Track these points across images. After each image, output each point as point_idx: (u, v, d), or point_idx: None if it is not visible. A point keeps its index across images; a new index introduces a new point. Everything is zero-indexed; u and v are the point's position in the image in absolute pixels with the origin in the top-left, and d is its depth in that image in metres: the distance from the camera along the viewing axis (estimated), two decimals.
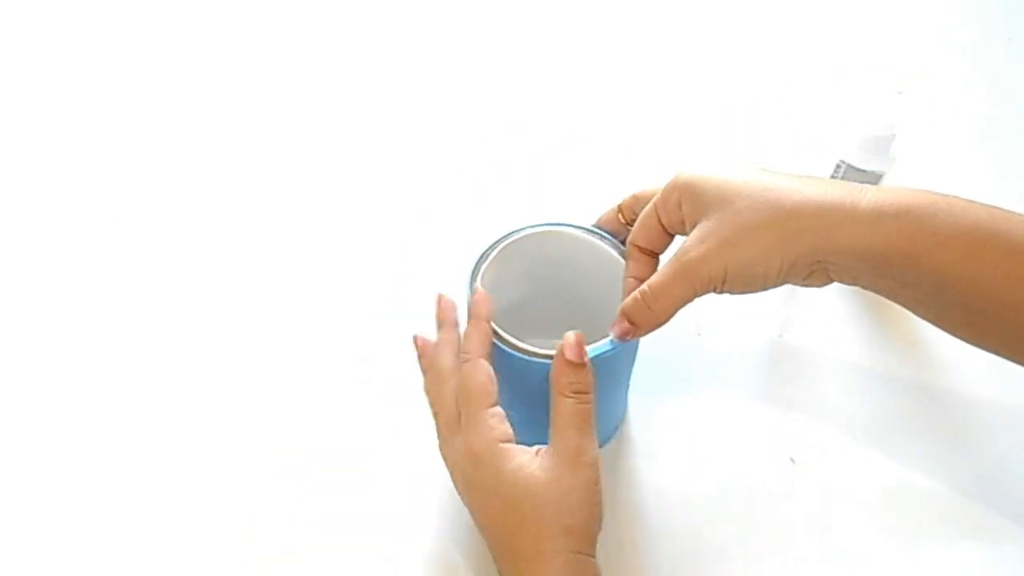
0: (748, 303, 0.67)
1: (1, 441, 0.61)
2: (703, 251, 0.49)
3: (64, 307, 0.68)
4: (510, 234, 0.55)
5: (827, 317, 0.67)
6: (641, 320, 0.50)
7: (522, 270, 0.56)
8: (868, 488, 0.59)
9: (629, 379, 0.60)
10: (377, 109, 0.82)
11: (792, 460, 0.60)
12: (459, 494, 0.50)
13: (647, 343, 0.65)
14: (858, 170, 0.66)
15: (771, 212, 0.48)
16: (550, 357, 0.50)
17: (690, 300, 0.50)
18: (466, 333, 0.52)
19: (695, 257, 0.49)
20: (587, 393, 0.48)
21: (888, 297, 0.50)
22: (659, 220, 0.52)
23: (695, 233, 0.49)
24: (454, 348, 0.52)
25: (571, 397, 0.48)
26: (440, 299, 0.54)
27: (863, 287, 0.50)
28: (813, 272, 0.49)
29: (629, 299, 0.51)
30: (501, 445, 0.48)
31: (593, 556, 0.47)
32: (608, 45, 0.87)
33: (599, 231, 0.56)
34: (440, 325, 0.53)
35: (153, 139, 0.80)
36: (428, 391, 0.52)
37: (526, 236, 0.55)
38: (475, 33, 0.89)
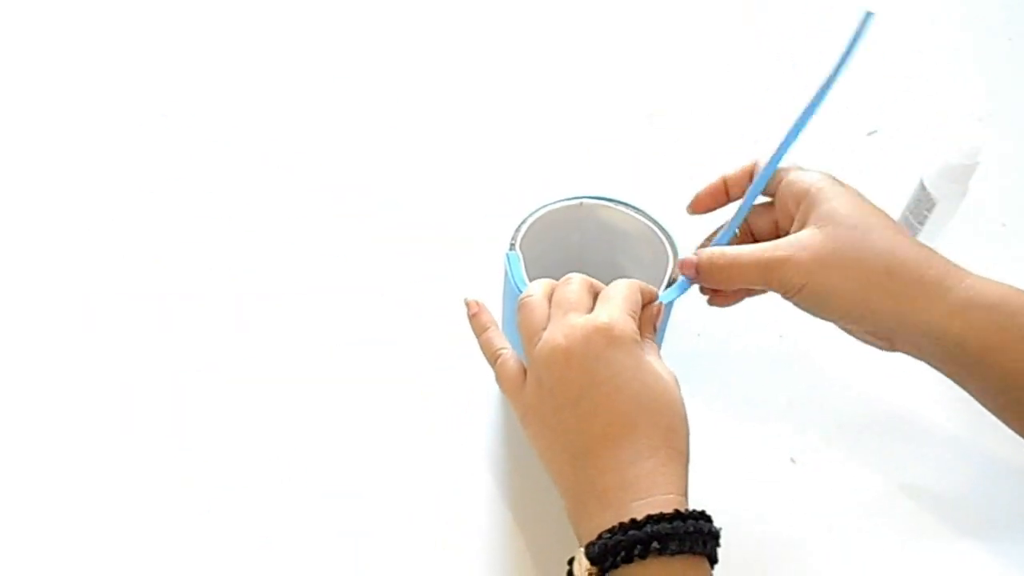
0: (747, 304, 0.67)
1: (1, 441, 0.61)
2: (796, 257, 0.49)
3: (65, 308, 0.68)
4: (544, 206, 0.57)
5: None
6: (706, 273, 0.52)
7: (557, 241, 0.58)
8: (868, 488, 0.58)
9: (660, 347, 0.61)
10: (384, 92, 0.82)
11: (792, 460, 0.60)
12: (556, 376, 0.46)
13: None
14: (928, 193, 0.65)
15: (876, 259, 0.48)
16: None
17: (754, 285, 0.51)
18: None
19: (785, 258, 0.49)
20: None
21: (951, 379, 0.51)
22: (772, 215, 0.53)
23: (800, 235, 0.50)
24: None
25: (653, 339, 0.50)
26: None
27: (927, 363, 0.51)
28: (880, 335, 0.51)
29: (714, 249, 0.52)
30: (640, 341, 0.47)
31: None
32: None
33: (633, 204, 0.58)
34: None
35: (154, 137, 0.80)
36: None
37: (560, 208, 0.57)
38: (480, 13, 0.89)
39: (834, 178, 0.51)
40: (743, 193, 0.54)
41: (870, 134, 0.79)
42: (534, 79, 0.85)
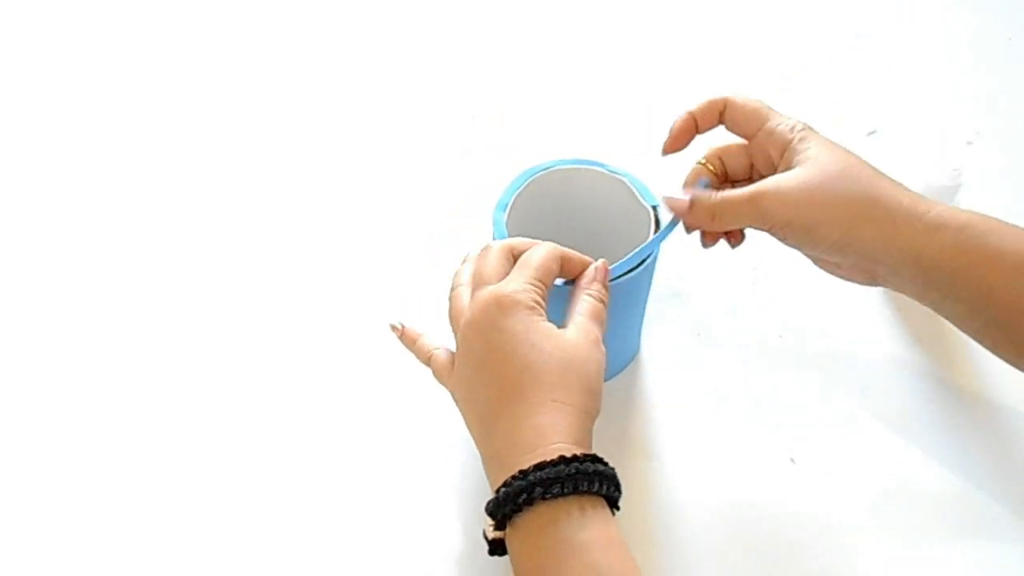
0: (747, 304, 0.68)
1: (1, 441, 0.61)
2: (784, 192, 0.51)
3: (66, 310, 0.68)
4: (526, 173, 0.58)
5: (827, 317, 0.67)
6: (698, 211, 0.53)
7: (539, 210, 0.59)
8: (868, 488, 0.59)
9: (643, 312, 0.62)
10: (368, 72, 0.82)
11: (792, 460, 0.60)
12: (464, 349, 0.50)
13: (649, 343, 0.65)
14: None
15: (859, 191, 0.51)
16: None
17: (744, 223, 0.53)
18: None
19: (774, 193, 0.51)
20: (604, 305, 0.51)
21: (932, 308, 0.53)
22: (748, 157, 0.55)
23: (787, 174, 0.52)
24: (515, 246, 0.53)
25: (594, 298, 0.51)
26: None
27: (908, 294, 0.53)
28: (864, 266, 0.53)
29: (704, 195, 0.53)
30: (538, 307, 0.49)
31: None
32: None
33: (609, 166, 0.59)
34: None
35: (154, 137, 0.80)
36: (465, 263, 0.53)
37: (542, 176, 0.59)
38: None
39: (810, 127, 0.54)
40: (712, 126, 0.56)
41: (870, 134, 0.79)
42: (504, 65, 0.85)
